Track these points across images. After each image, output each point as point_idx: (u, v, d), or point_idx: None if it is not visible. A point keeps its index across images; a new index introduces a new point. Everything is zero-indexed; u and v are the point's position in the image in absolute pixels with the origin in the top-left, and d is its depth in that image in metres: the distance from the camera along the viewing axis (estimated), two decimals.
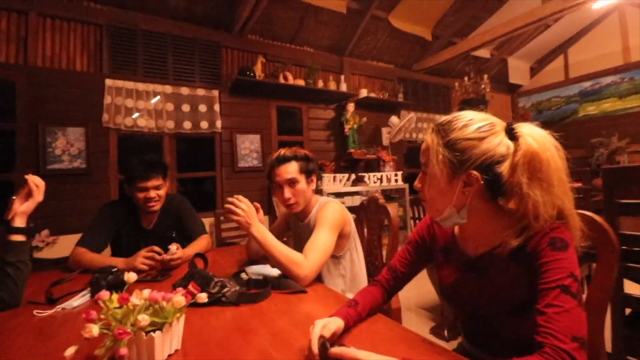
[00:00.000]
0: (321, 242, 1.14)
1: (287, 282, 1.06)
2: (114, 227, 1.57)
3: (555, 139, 0.64)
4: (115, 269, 1.14)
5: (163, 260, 1.33)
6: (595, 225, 0.77)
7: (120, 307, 0.63)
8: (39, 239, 2.48)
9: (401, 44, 4.39)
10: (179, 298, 0.65)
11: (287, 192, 1.27)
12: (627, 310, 1.22)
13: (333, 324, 0.67)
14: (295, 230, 1.46)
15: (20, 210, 1.04)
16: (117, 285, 1.08)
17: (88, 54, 2.76)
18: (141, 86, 2.88)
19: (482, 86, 4.12)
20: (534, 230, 0.62)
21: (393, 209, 1.34)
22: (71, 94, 2.64)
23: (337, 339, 0.68)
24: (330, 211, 1.22)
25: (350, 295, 1.22)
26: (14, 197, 1.06)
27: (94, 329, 0.55)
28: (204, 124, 3.16)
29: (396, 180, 3.76)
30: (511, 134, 0.66)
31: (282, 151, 1.32)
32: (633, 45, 4.65)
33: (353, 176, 3.51)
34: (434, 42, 4.52)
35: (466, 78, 4.31)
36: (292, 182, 1.27)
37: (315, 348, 0.59)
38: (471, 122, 0.68)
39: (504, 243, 0.66)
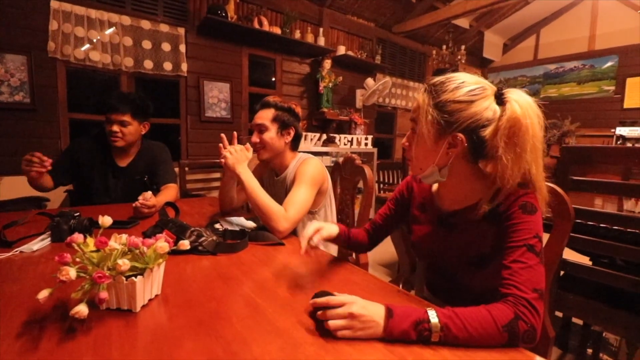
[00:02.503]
0: (301, 197, 1.15)
1: (264, 234, 1.06)
2: (79, 161, 1.55)
3: (539, 107, 0.67)
4: (78, 213, 1.07)
5: (136, 207, 1.26)
6: (556, 197, 0.85)
7: (97, 251, 0.59)
8: None
9: (384, 1, 4.21)
10: (163, 244, 0.62)
11: (255, 137, 1.28)
12: (561, 273, 1.41)
13: (327, 230, 0.73)
14: (269, 184, 1.44)
15: None
16: (80, 229, 1.02)
17: None
18: (94, 13, 2.52)
19: (459, 57, 4.15)
20: (506, 193, 0.67)
21: (369, 170, 1.36)
22: (9, 13, 2.24)
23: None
24: (311, 167, 1.22)
25: (321, 247, 1.27)
26: None
27: (72, 272, 0.52)
28: (168, 66, 2.89)
29: (366, 144, 3.81)
30: (500, 99, 0.68)
31: (268, 97, 1.31)
32: (599, 33, 4.89)
33: (324, 136, 3.49)
34: (417, 5, 4.39)
35: (444, 47, 4.30)
36: (261, 128, 1.27)
37: (303, 245, 0.68)
38: (463, 84, 0.69)
39: (479, 204, 0.70)
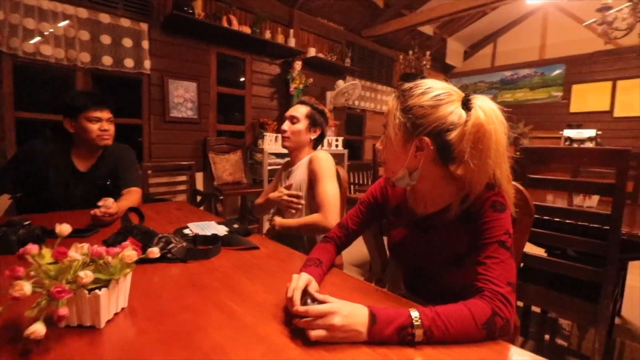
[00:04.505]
0: (330, 192, 1.23)
1: (238, 238, 1.03)
2: (33, 169, 1.42)
3: (503, 113, 0.69)
4: (28, 222, 0.97)
5: (95, 215, 1.17)
6: (518, 194, 0.90)
7: (54, 262, 0.54)
8: None
9: (354, 6, 4.27)
10: (131, 252, 0.58)
11: (285, 125, 1.38)
12: (521, 264, 1.50)
13: (314, 283, 0.69)
14: (284, 176, 1.47)
15: None
16: (32, 239, 0.93)
17: None
18: (46, 4, 2.32)
19: (424, 62, 4.31)
20: (475, 194, 0.70)
21: (343, 170, 1.37)
22: None
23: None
24: (325, 162, 1.28)
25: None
26: None
27: (26, 287, 0.47)
28: (129, 62, 2.73)
29: (337, 146, 3.84)
30: (466, 105, 0.70)
31: (305, 97, 1.45)
32: (549, 43, 5.30)
33: None
34: (385, 10, 4.51)
35: (411, 52, 4.45)
36: (292, 119, 1.37)
37: (298, 299, 0.60)
38: (429, 90, 0.71)
39: (452, 206, 0.73)
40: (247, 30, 3.23)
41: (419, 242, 0.81)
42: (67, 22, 2.42)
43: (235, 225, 1.18)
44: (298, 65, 3.68)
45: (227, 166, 3.17)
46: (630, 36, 4.18)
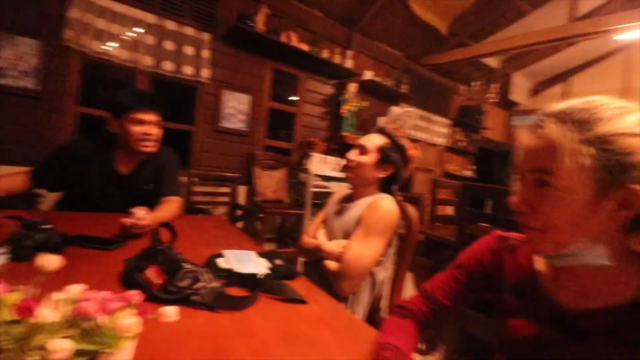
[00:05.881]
0: (364, 255, 1.01)
1: (280, 285, 0.80)
2: (72, 167, 1.33)
3: None
4: (51, 226, 0.84)
5: (124, 225, 1.03)
6: None
7: (16, 321, 0.34)
8: None
9: (415, 33, 4.10)
10: (130, 321, 0.37)
11: (352, 154, 1.17)
12: None
13: None
14: (336, 210, 1.23)
15: None
16: (48, 247, 0.78)
17: None
18: (118, 7, 2.39)
19: (489, 94, 3.98)
20: None
21: (413, 210, 1.10)
22: None
23: None
24: (382, 213, 1.05)
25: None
26: None
27: None
28: (188, 69, 2.74)
29: None
30: None
31: (389, 127, 1.22)
32: (636, 87, 4.67)
33: (344, 161, 3.26)
34: (448, 39, 4.29)
35: (476, 83, 4.15)
36: (361, 149, 1.16)
37: None
38: (628, 110, 0.45)
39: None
40: (305, 48, 3.15)
41: (564, 353, 0.51)
42: (137, 28, 2.48)
43: (278, 262, 0.95)
44: (353, 87, 3.54)
45: (270, 183, 3.02)
46: None
